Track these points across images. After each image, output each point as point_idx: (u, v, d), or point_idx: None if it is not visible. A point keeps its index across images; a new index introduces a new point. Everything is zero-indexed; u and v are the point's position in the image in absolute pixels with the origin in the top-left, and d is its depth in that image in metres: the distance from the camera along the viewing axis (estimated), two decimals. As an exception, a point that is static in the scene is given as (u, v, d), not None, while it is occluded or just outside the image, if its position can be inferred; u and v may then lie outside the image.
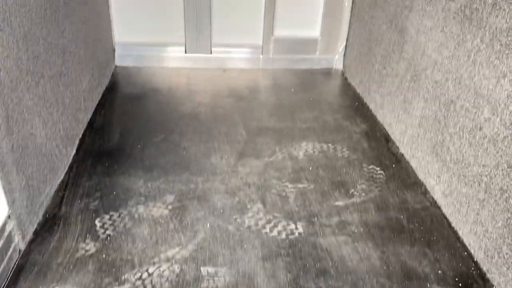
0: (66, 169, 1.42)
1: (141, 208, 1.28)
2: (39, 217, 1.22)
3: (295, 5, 2.20)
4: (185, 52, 2.24)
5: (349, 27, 2.20)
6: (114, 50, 2.19)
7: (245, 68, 2.28)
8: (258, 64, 2.29)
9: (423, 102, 1.44)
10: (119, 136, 1.63)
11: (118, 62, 2.22)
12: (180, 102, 1.91)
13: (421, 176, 1.46)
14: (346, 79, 2.22)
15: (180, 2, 2.12)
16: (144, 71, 2.19)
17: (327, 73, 2.30)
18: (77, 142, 1.55)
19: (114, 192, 1.34)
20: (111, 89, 1.99)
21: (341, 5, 2.18)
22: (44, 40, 1.26)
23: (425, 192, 1.40)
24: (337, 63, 2.32)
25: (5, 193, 1.05)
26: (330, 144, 1.64)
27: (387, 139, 1.68)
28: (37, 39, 1.21)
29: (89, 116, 1.72)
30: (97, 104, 1.83)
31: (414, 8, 1.52)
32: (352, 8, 2.16)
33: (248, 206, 1.31)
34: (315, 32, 2.28)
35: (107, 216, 1.25)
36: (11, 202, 1.07)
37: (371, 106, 1.90)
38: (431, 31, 1.41)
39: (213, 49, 2.25)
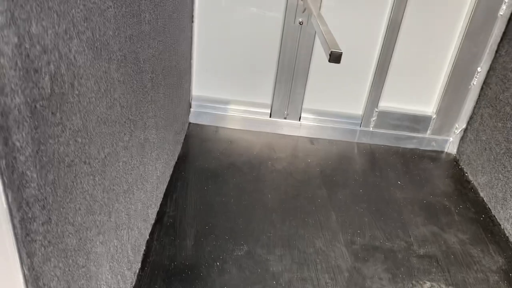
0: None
1: None
2: None
3: (410, 76, 1.81)
4: (270, 117, 1.91)
5: (474, 110, 1.80)
6: (190, 106, 1.89)
7: (338, 141, 1.92)
8: (354, 137, 1.92)
9: None
10: (193, 240, 1.32)
11: (193, 119, 1.91)
12: (264, 189, 1.58)
13: None
14: (461, 169, 1.82)
15: (274, 60, 1.78)
16: (221, 134, 1.88)
17: (437, 158, 1.90)
18: (143, 247, 1.25)
19: None
20: (184, 159, 1.69)
21: (467, 84, 1.77)
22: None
23: None
24: (450, 147, 1.92)
25: None
26: (460, 289, 1.26)
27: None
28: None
29: (158, 204, 1.42)
30: (168, 184, 1.53)
31: None
32: (482, 89, 1.75)
33: None
34: (428, 108, 1.89)
35: None
36: None
37: (507, 227, 1.50)
38: None
39: (302, 115, 1.90)
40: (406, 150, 1.92)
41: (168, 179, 1.54)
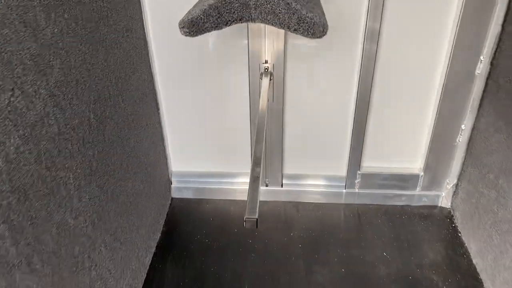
0: None
1: None
2: None
3: (391, 134, 1.72)
4: (252, 185, 1.87)
5: (463, 168, 1.69)
6: (170, 183, 1.88)
7: (324, 204, 1.86)
8: (340, 198, 1.86)
9: None
10: None
11: (175, 194, 1.91)
12: (243, 274, 1.55)
13: None
14: (455, 228, 1.72)
15: (247, 131, 1.74)
16: (204, 207, 1.86)
17: (430, 214, 1.80)
18: None
19: None
20: (166, 244, 1.68)
21: (452, 140, 1.66)
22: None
23: None
24: (444, 201, 1.82)
25: None
26: None
27: None
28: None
29: (132, 309, 1.43)
30: (145, 280, 1.53)
31: None
32: (468, 148, 1.64)
33: None
34: (415, 165, 1.79)
35: None
36: None
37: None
38: None
39: (284, 181, 1.85)
40: (396, 208, 1.83)
41: (145, 271, 1.55)
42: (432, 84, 1.59)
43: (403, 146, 1.75)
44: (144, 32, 1.50)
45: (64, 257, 0.97)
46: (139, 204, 1.48)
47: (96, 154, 1.13)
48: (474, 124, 1.59)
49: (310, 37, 0.86)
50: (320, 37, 0.84)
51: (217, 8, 0.83)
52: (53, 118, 0.92)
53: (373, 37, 1.48)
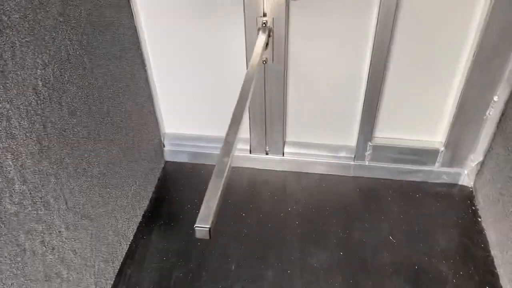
0: None
1: None
2: None
3: (407, 103, 1.49)
4: (250, 153, 1.70)
5: (491, 145, 1.45)
6: (163, 146, 1.74)
7: (330, 175, 1.68)
8: (349, 171, 1.67)
9: None
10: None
11: (169, 157, 1.77)
12: (230, 256, 1.43)
13: None
14: (475, 212, 1.52)
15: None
16: (198, 173, 1.72)
17: (448, 194, 1.60)
18: None
19: None
20: (153, 213, 1.57)
21: (481, 113, 1.42)
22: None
23: None
24: (466, 179, 1.60)
25: None
26: None
27: None
28: None
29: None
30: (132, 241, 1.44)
31: None
32: (500, 122, 1.39)
33: None
34: (434, 139, 1.57)
35: None
36: None
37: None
38: None
39: (286, 150, 1.67)
40: (411, 185, 1.64)
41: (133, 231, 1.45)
42: (463, 47, 1.33)
43: (422, 117, 1.52)
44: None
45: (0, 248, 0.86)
46: (118, 173, 1.35)
47: (48, 126, 0.98)
48: (509, 97, 1.34)
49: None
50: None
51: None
52: (-26, 91, 0.76)
53: (392, -12, 1.22)
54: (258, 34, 1.34)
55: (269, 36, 1.35)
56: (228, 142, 0.94)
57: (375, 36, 1.32)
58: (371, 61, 1.38)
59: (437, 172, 1.61)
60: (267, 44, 1.37)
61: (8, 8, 0.83)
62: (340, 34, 1.36)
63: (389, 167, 1.63)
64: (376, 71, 1.39)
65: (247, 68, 1.46)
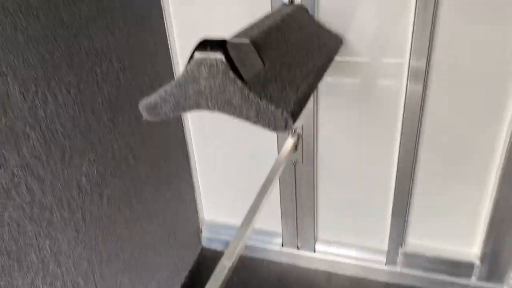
0: None
1: None
2: None
3: (438, 208, 1.47)
4: (282, 246, 1.74)
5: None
6: (200, 232, 1.84)
7: (360, 279, 1.66)
8: (380, 275, 1.64)
9: None
10: None
11: (206, 243, 1.85)
12: None
13: None
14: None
15: (276, 189, 1.63)
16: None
17: (487, 312, 1.50)
18: None
19: None
20: (181, 299, 1.64)
21: (518, 227, 1.37)
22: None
23: None
24: (507, 298, 1.51)
25: None
26: None
27: None
28: None
29: None
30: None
31: None
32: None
33: None
34: (470, 249, 1.51)
35: None
36: None
37: None
38: None
39: (317, 247, 1.69)
40: (446, 296, 1.56)
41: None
42: (496, 145, 1.32)
43: (454, 224, 1.49)
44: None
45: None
46: (151, 257, 1.45)
47: (87, 216, 1.12)
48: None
49: (272, 131, 0.74)
50: (283, 131, 0.73)
51: (173, 94, 0.76)
52: (25, 188, 0.92)
53: (418, 78, 1.29)
54: (288, 137, 1.45)
55: (298, 139, 1.46)
56: (236, 240, 1.00)
57: (401, 132, 1.36)
58: (398, 164, 1.41)
59: (474, 287, 1.53)
60: (296, 146, 1.47)
61: (63, 120, 1.01)
62: (367, 141, 1.43)
63: (422, 276, 1.58)
64: (404, 174, 1.42)
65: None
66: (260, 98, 0.72)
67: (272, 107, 0.71)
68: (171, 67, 1.47)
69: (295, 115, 0.73)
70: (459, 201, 1.44)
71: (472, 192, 1.41)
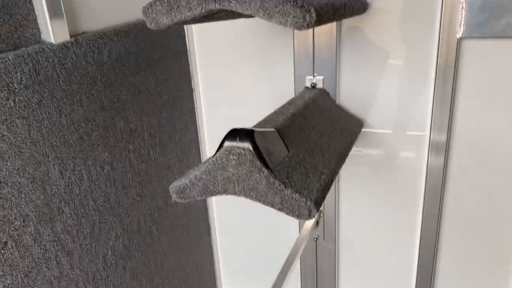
0: None
1: None
2: None
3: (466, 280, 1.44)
4: (302, 324, 1.70)
5: None
6: (219, 305, 1.81)
7: None
8: None
9: None
10: None
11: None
12: None
13: None
14: None
15: (296, 268, 1.62)
16: None
17: None
18: None
19: None
20: None
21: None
22: None
23: None
24: None
25: None
26: None
27: None
28: None
29: None
30: None
31: None
32: None
33: None
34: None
35: None
36: None
37: None
38: None
39: (339, 326, 1.64)
40: None
41: None
42: None
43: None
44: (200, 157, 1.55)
45: None
46: (168, 333, 1.43)
47: (110, 290, 1.14)
48: None
49: (296, 218, 0.77)
50: (306, 219, 0.76)
51: (202, 179, 0.81)
52: (55, 263, 0.96)
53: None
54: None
55: (319, 215, 1.47)
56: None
57: (421, 227, 1.37)
58: (420, 246, 1.40)
59: None
60: (317, 222, 1.48)
61: (96, 195, 1.06)
62: (388, 223, 1.43)
63: None
64: (425, 260, 1.40)
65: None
66: (285, 186, 0.75)
67: (296, 196, 0.75)
68: (197, 142, 1.54)
69: (318, 204, 0.76)
70: (486, 286, 1.40)
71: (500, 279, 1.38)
